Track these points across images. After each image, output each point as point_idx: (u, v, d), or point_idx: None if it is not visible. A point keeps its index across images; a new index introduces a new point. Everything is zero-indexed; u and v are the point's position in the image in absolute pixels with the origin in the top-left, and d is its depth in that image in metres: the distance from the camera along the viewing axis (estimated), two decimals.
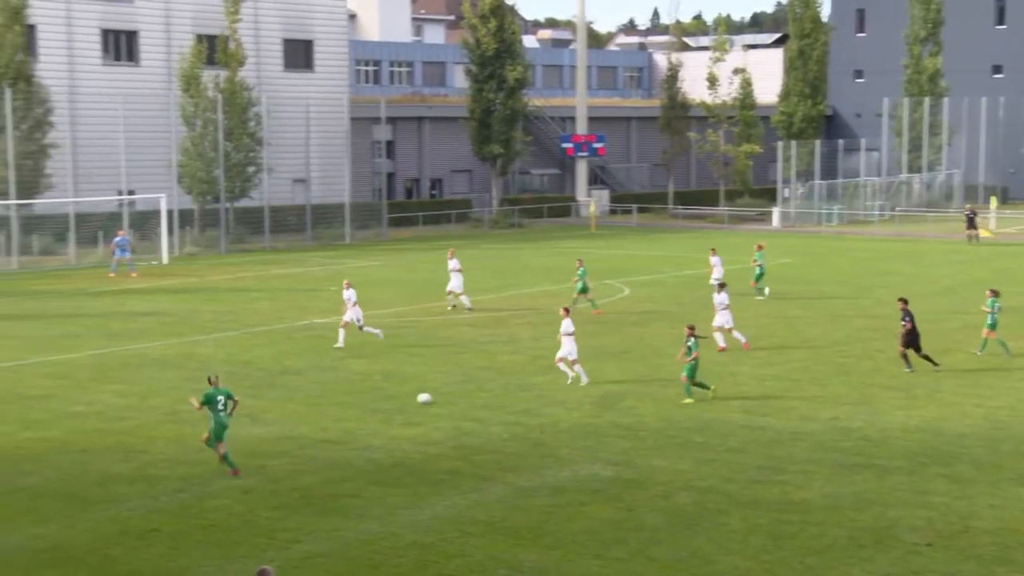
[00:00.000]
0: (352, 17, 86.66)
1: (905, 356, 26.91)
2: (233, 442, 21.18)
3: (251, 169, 58.03)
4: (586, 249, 55.23)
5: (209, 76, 56.55)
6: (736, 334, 29.75)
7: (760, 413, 23.49)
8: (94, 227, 50.44)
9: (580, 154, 77.09)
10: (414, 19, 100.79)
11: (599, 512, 17.53)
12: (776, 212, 68.68)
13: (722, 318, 29.52)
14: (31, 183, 49.46)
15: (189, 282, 43.50)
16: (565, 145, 77.74)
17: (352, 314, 30.57)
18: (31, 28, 53.40)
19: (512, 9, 72.67)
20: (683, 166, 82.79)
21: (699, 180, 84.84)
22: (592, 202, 72.26)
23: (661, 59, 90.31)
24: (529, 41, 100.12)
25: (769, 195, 75.65)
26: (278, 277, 45.55)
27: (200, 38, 58.58)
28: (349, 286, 31.16)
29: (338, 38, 68.72)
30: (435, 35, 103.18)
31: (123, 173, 51.51)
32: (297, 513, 17.44)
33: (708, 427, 22.40)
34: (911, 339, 26.79)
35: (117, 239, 45.25)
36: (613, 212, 76.47)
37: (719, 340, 29.32)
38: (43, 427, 22.12)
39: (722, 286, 30.31)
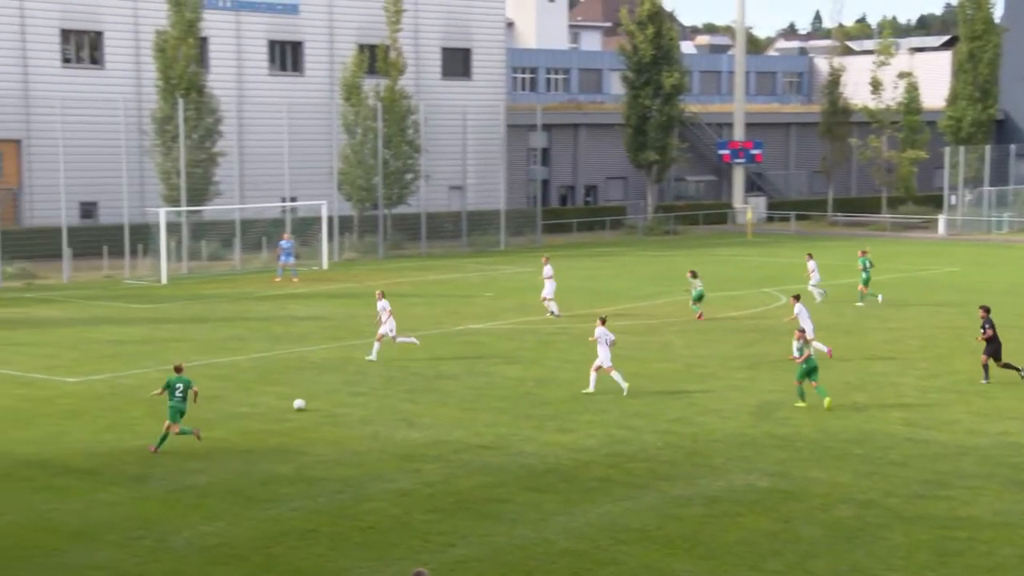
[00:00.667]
0: (510, 25, 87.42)
1: (986, 367, 26.38)
2: (388, 445, 21.59)
3: (409, 176, 59.01)
4: (742, 257, 54.47)
5: (370, 85, 57.76)
6: (818, 344, 28.96)
7: (923, 426, 22.83)
8: (258, 233, 51.98)
9: (737, 161, 76.13)
10: (571, 26, 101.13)
11: (755, 523, 17.30)
12: (942, 220, 66.64)
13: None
14: (200, 190, 51.24)
15: (347, 287, 44.45)
16: (722, 151, 76.87)
17: (387, 327, 29.43)
18: (203, 40, 55.34)
19: (670, 15, 72.26)
20: (843, 172, 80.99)
21: (860, 187, 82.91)
22: (749, 209, 71.28)
23: (822, 63, 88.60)
24: (687, 47, 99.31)
25: (934, 202, 73.45)
26: (434, 283, 46.17)
27: (362, 48, 59.91)
28: (383, 296, 30.14)
29: (496, 46, 69.38)
30: (592, 42, 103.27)
31: (286, 180, 52.97)
32: (451, 517, 17.66)
33: (868, 439, 21.88)
34: (992, 349, 26.30)
35: (283, 243, 46.53)
36: (770, 219, 75.30)
37: (821, 347, 29.11)
38: (210, 427, 22.88)
39: (797, 297, 30.40)
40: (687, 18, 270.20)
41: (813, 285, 38.97)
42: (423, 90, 64.65)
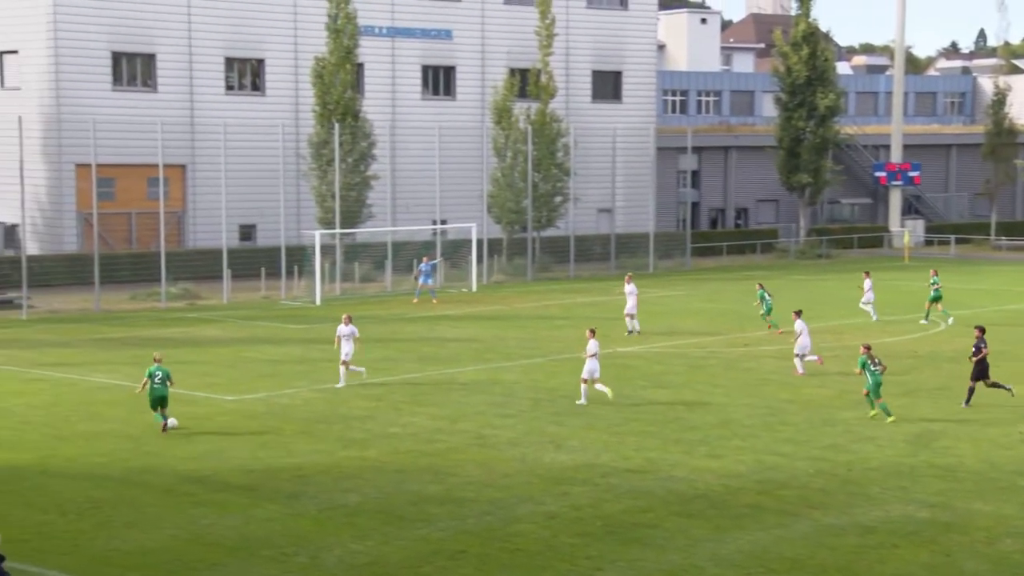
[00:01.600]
0: (661, 48, 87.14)
1: (971, 390, 26.51)
2: (536, 467, 21.62)
3: (558, 199, 59.20)
4: (899, 281, 53.07)
5: (520, 108, 58.22)
6: (811, 357, 30.87)
7: None
8: (409, 255, 52.77)
9: (894, 183, 74.30)
10: (723, 48, 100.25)
11: (913, 555, 16.76)
12: None
13: (803, 342, 30.60)
14: (354, 213, 52.32)
15: (496, 309, 44.76)
16: (878, 174, 75.14)
17: (345, 350, 28.85)
18: (359, 67, 56.60)
19: (826, 35, 71.10)
20: (1008, 195, 78.30)
21: None
22: (906, 232, 69.41)
23: (986, 83, 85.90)
24: (843, 68, 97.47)
25: None
26: (582, 305, 46.16)
27: (513, 71, 60.47)
28: (350, 321, 29.29)
29: (647, 69, 69.25)
30: (744, 64, 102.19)
31: (437, 203, 53.71)
32: (599, 541, 17.57)
33: None
34: (979, 369, 26.41)
35: (423, 266, 47.13)
36: (928, 243, 73.24)
37: (798, 366, 30.65)
38: (362, 447, 23.25)
39: (799, 313, 31.46)
40: (844, 38, 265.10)
41: (865, 303, 40.12)
42: (573, 113, 64.87)
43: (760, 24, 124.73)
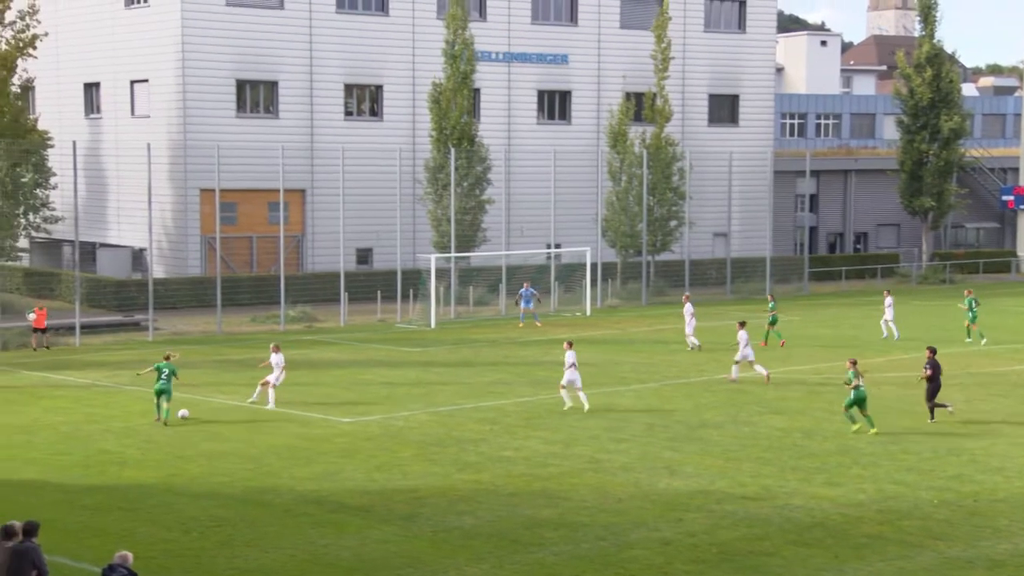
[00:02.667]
0: (779, 71, 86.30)
1: (932, 408, 27.72)
2: (651, 493, 21.52)
3: (673, 223, 58.91)
4: None
5: (636, 132, 58.15)
6: (758, 368, 33.16)
7: None
8: (523, 279, 52.95)
9: (1022, 207, 72.26)
10: (843, 70, 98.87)
11: None
12: None
13: (743, 352, 32.99)
14: (469, 237, 52.75)
15: (610, 333, 44.67)
16: (1005, 197, 73.25)
17: (274, 376, 29.39)
18: (475, 92, 57.17)
19: (951, 57, 69.70)
20: None
21: None
22: None
23: None
24: (968, 89, 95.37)
25: None
26: (697, 330, 45.77)
27: (628, 96, 60.43)
28: (278, 350, 29.72)
29: (765, 92, 68.64)
30: (865, 86, 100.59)
31: (552, 227, 53.85)
32: (715, 568, 17.41)
33: None
34: (932, 388, 27.65)
35: (523, 291, 47.14)
36: None
37: (734, 372, 33.31)
38: (476, 470, 23.40)
39: (743, 324, 33.92)
40: (970, 59, 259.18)
41: (888, 320, 41.60)
42: (689, 136, 64.55)
43: (882, 46, 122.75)
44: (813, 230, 72.06)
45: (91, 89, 60.68)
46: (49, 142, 49.59)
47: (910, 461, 23.89)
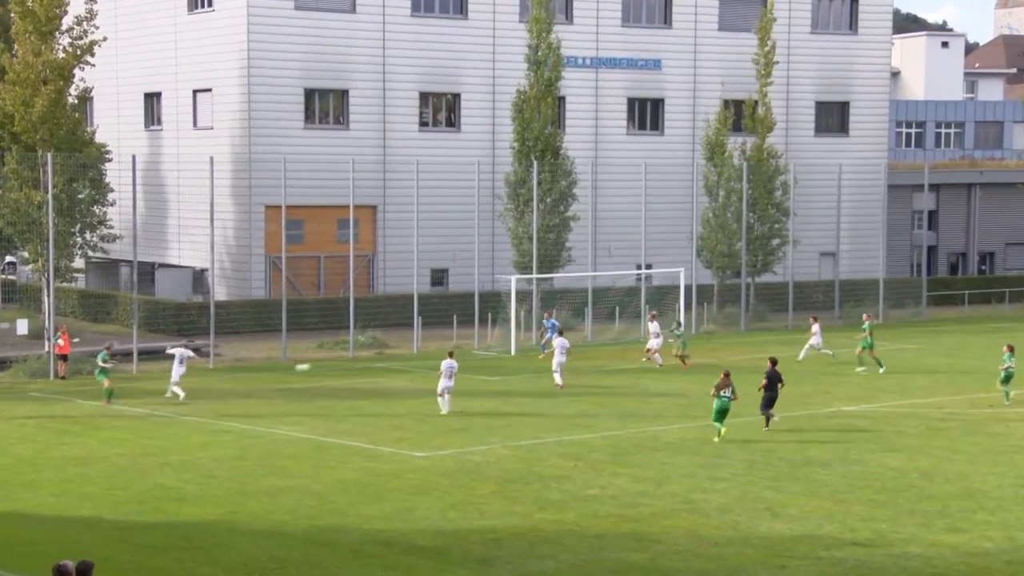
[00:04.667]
0: (895, 75, 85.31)
1: (767, 417, 30.84)
2: (751, 537, 21.28)
3: (775, 241, 58.41)
4: None
5: (735, 143, 57.82)
6: (657, 356, 41.31)
7: None
8: (612, 302, 52.84)
9: None
10: (967, 74, 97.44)
11: None
12: None
13: (653, 341, 40.39)
14: (552, 257, 52.75)
15: (706, 362, 44.33)
16: None
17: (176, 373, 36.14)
18: (560, 100, 57.29)
19: None
20: None
21: None
22: None
23: None
24: None
25: None
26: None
27: (727, 103, 60.11)
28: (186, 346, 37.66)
29: (878, 99, 67.92)
30: (992, 91, 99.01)
31: (643, 246, 53.64)
32: None
33: None
34: (768, 398, 30.80)
35: (546, 323, 46.50)
36: None
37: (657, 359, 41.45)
38: (559, 509, 23.33)
39: (654, 316, 42.94)
40: None
41: (812, 345, 43.78)
42: (793, 147, 64.04)
43: (1011, 46, 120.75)
44: (932, 249, 70.97)
45: (151, 99, 61.92)
46: (107, 156, 50.62)
47: None
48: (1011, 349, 35.57)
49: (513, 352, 46.70)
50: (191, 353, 38.12)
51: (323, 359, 46.06)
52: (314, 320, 52.96)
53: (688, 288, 52.79)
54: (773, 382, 31.13)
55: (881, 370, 41.48)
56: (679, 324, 45.39)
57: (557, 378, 38.45)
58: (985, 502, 23.69)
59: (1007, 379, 35.15)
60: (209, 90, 58.04)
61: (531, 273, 51.47)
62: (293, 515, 23.03)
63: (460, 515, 22.96)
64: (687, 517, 22.75)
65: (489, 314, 50.03)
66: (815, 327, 44.42)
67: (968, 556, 20.16)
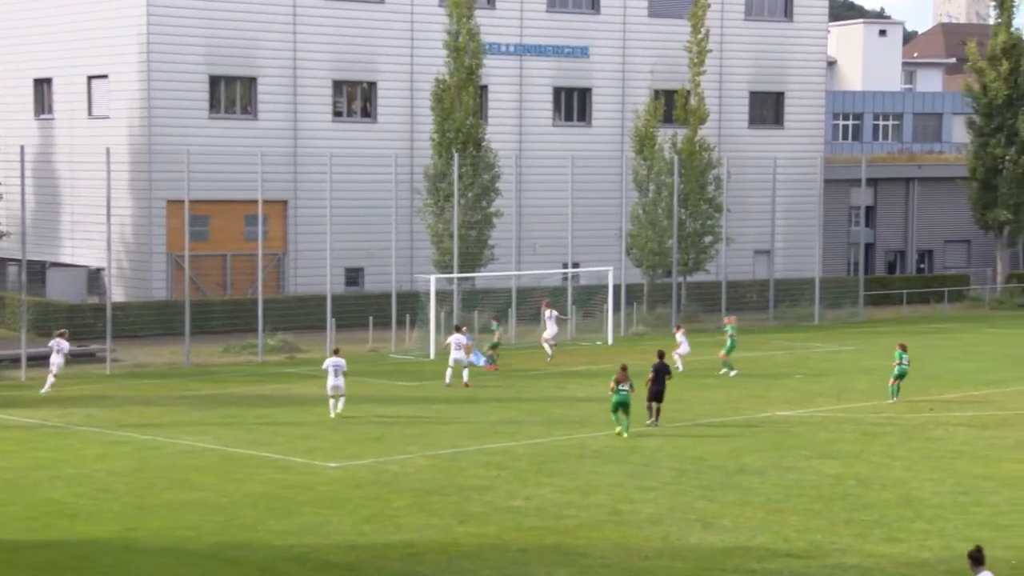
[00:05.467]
0: (831, 64, 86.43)
1: (650, 407, 32.58)
2: (681, 549, 21.43)
3: (708, 239, 58.91)
4: None
5: (665, 135, 58.20)
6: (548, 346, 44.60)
7: None
8: (537, 303, 52.89)
9: None
10: (905, 64, 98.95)
11: None
12: None
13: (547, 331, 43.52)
14: (474, 255, 52.74)
15: (636, 365, 44.50)
16: None
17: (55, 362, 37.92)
18: (482, 89, 57.26)
19: None
20: None
21: None
22: None
23: None
24: None
25: None
26: (734, 361, 45.73)
27: (657, 93, 60.51)
28: (62, 336, 38.86)
29: (814, 89, 68.74)
30: (930, 82, 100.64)
31: (569, 243, 53.81)
32: None
33: None
34: (655, 391, 32.63)
35: (458, 338, 45.88)
36: None
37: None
38: (480, 522, 23.31)
39: (548, 304, 46.24)
40: None
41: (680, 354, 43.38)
42: (727, 140, 64.63)
43: (950, 35, 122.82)
44: (870, 247, 71.95)
45: (42, 86, 61.02)
46: None
47: (983, 514, 23.73)
48: (903, 347, 37.07)
49: (432, 355, 46.63)
50: (66, 345, 39.04)
51: (229, 364, 45.68)
52: (220, 323, 52.48)
53: (617, 288, 53.06)
54: (660, 375, 32.64)
55: (733, 373, 41.86)
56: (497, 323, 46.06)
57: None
58: (923, 510, 24.04)
59: (901, 376, 36.67)
60: (105, 76, 57.30)
61: (452, 272, 51.43)
62: (197, 531, 22.80)
63: (376, 529, 22.88)
64: (615, 529, 22.85)
65: (407, 316, 49.92)
66: (679, 335, 44.10)
67: (906, 567, 20.45)
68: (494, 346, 44.24)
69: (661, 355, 33.73)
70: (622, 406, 31.16)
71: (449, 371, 39.10)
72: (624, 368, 31.57)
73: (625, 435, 30.98)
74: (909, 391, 37.97)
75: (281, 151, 56.79)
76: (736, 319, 45.26)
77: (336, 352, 34.92)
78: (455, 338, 39.77)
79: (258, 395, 38.94)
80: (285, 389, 40.12)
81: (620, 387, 31.10)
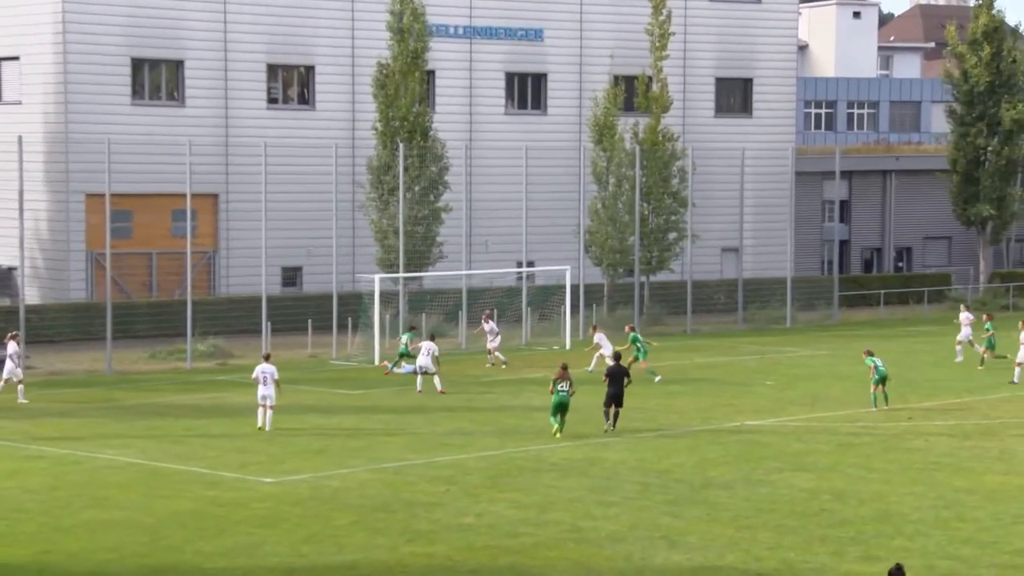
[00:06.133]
0: (803, 49, 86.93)
1: (606, 413, 33.06)
2: (645, 569, 21.49)
3: (672, 236, 59.11)
4: None
5: (626, 124, 58.33)
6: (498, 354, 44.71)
7: None
8: (489, 304, 52.92)
9: None
10: (881, 48, 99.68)
11: None
12: None
13: (493, 342, 43.88)
14: (421, 253, 52.66)
15: (595, 372, 44.62)
16: None
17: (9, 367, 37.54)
18: (429, 75, 57.17)
19: (1014, 32, 70.37)
20: None
21: None
22: None
23: None
24: None
25: None
26: (701, 367, 45.91)
27: (617, 80, 60.64)
28: (13, 339, 38.18)
29: (784, 76, 69.15)
30: (908, 68, 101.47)
31: (523, 241, 53.79)
32: None
33: None
34: (610, 394, 33.04)
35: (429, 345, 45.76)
36: None
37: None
38: (428, 541, 23.25)
39: (489, 316, 47.03)
40: None
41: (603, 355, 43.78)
42: (692, 130, 64.86)
43: (929, 18, 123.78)
44: (844, 244, 72.46)
45: None
46: None
47: (967, 531, 23.89)
48: (870, 352, 37.75)
49: (377, 362, 46.51)
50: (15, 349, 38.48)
51: (156, 372, 45.37)
52: (145, 327, 52.11)
53: (575, 288, 53.12)
54: (616, 378, 33.37)
55: (657, 379, 42.11)
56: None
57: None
58: (903, 526, 24.17)
59: (882, 380, 37.07)
60: (17, 58, 56.80)
61: (397, 272, 51.31)
62: (119, 553, 22.60)
63: (315, 549, 22.77)
64: (574, 548, 22.85)
65: (349, 319, 49.80)
66: (598, 337, 44.54)
67: None
68: (403, 355, 42.67)
69: (618, 357, 35.06)
70: (561, 408, 32.05)
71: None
72: (564, 367, 32.35)
73: (558, 436, 32.01)
74: (889, 398, 38.17)
75: (211, 140, 56.47)
76: (633, 328, 45.13)
77: (267, 358, 34.71)
78: (427, 345, 40.08)
79: (187, 405, 38.68)
80: (216, 398, 39.88)
81: (559, 387, 31.97)
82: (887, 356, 47.24)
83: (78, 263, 55.11)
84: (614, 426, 33.00)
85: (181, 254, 50.54)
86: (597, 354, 44.15)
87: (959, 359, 46.91)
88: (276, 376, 33.85)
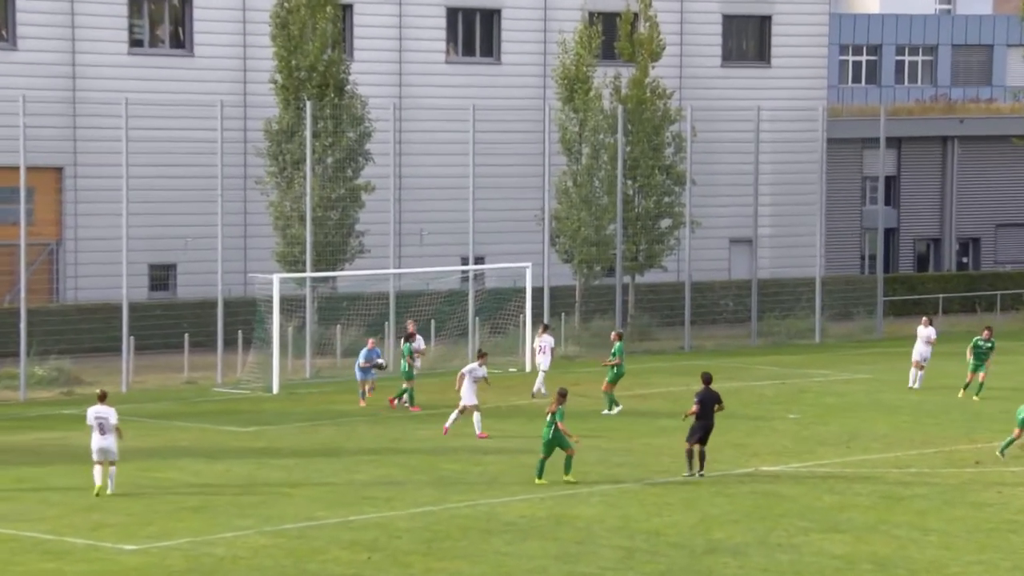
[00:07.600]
0: None
1: (690, 454, 33.51)
2: None
3: (665, 223, 59.19)
4: None
5: (604, 76, 58.39)
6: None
7: None
8: (425, 313, 52.92)
9: None
10: None
11: None
12: None
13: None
14: (336, 246, 52.57)
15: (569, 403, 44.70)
16: None
17: None
18: (345, 10, 57.07)
19: None
20: None
21: None
22: None
23: None
24: None
25: None
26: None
27: (592, 17, 60.65)
28: None
29: (812, 11, 69.30)
30: (975, 4, 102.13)
31: (471, 230, 53.74)
32: None
33: None
34: (700, 430, 33.28)
35: (365, 353, 45.70)
36: None
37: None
38: None
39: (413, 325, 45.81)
40: None
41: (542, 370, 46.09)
42: (691, 84, 65.02)
43: None
44: (891, 234, 72.69)
45: None
46: None
47: None
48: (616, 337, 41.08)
49: (276, 389, 46.45)
50: None
51: None
52: None
53: (538, 292, 53.15)
54: (706, 407, 33.42)
55: (616, 410, 42.82)
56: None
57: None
58: None
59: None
60: None
61: (304, 270, 51.22)
62: None
63: None
64: None
65: (240, 332, 49.62)
66: (542, 341, 46.10)
67: None
68: (408, 377, 44.01)
69: (708, 379, 34.08)
70: (547, 446, 33.12)
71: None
72: (563, 393, 33.25)
73: (540, 481, 32.89)
74: (948, 436, 38.38)
75: (54, 95, 56.20)
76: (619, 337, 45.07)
77: (102, 398, 32.93)
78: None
79: (20, 448, 38.49)
80: (60, 438, 39.64)
81: (554, 415, 33.06)
82: (951, 380, 47.63)
83: None
84: (701, 472, 33.53)
85: (13, 247, 50.17)
86: (541, 372, 45.16)
87: None
88: (115, 420, 32.50)
